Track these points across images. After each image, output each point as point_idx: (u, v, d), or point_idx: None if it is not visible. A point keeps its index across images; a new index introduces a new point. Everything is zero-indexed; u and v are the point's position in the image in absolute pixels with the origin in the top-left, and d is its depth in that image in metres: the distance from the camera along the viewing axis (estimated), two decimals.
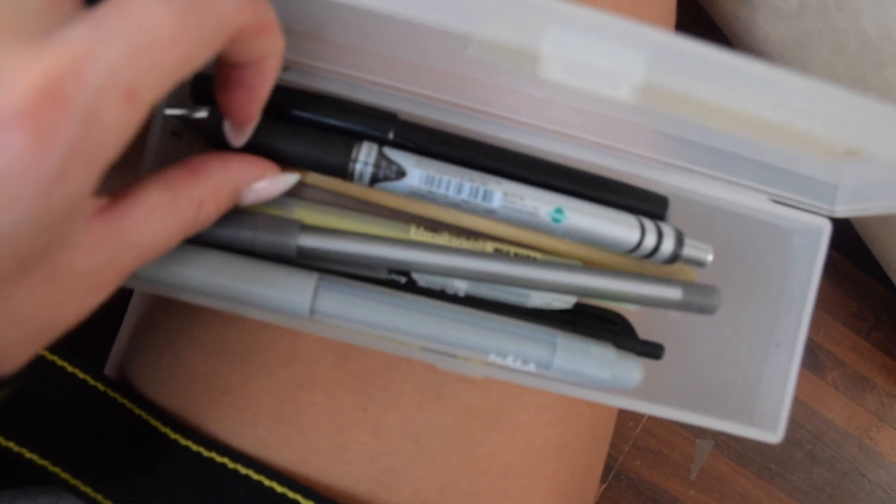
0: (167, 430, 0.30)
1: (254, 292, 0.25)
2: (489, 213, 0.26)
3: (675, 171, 0.28)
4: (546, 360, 0.27)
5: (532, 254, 0.28)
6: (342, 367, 0.30)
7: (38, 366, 0.30)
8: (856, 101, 0.19)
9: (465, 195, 0.26)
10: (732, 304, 0.31)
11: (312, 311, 0.26)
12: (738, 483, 0.78)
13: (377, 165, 0.25)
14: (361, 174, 0.25)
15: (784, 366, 0.29)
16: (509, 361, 0.27)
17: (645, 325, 0.30)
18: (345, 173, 0.26)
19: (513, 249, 0.28)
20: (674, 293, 0.27)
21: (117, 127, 0.15)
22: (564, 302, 0.28)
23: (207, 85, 0.24)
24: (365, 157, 0.25)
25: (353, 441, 0.30)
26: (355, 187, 0.27)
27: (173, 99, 0.25)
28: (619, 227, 0.27)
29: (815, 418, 0.79)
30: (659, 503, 0.76)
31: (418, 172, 0.26)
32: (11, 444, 0.28)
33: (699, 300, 0.27)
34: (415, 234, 0.27)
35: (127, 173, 0.20)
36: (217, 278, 0.25)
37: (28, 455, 0.28)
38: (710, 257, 0.28)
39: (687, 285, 0.27)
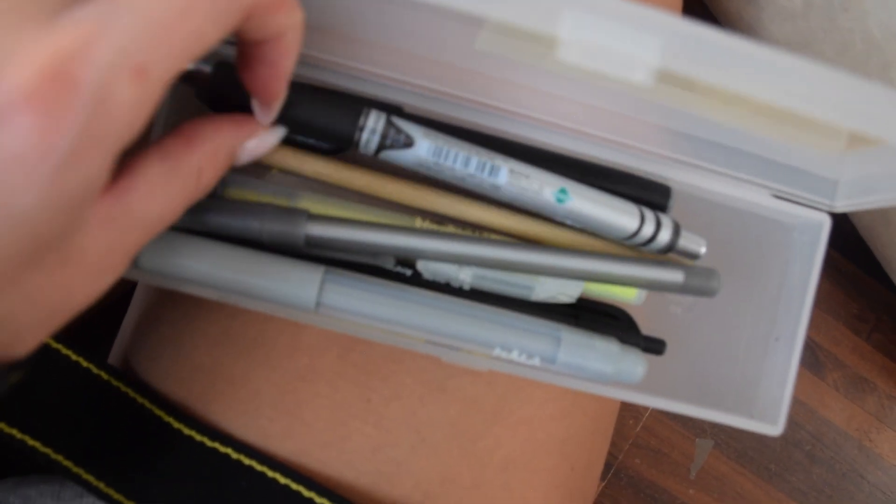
0: (170, 420, 0.30)
1: (260, 285, 0.26)
2: (495, 190, 0.26)
3: (677, 166, 0.28)
4: (551, 355, 0.27)
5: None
6: (345, 359, 0.30)
7: (41, 354, 0.30)
8: (859, 84, 0.19)
9: (472, 169, 0.26)
10: (733, 298, 0.31)
11: (318, 304, 0.26)
12: (738, 483, 0.78)
13: (385, 134, 0.25)
14: (368, 142, 0.25)
15: (784, 360, 0.30)
16: (514, 356, 0.27)
17: (646, 321, 0.30)
18: (350, 141, 0.25)
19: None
20: (676, 276, 0.27)
21: (129, 106, 0.15)
22: (568, 296, 0.28)
23: (230, 73, 0.24)
24: (374, 123, 0.25)
25: (355, 432, 0.30)
26: (359, 175, 0.27)
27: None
28: (620, 214, 0.27)
29: (815, 419, 0.79)
30: (658, 502, 0.77)
31: (426, 143, 0.25)
32: (14, 432, 0.28)
33: (700, 283, 0.27)
34: (420, 225, 0.27)
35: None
36: (223, 271, 0.26)
37: (31, 443, 0.28)
38: (703, 249, 0.28)
39: (688, 268, 0.27)
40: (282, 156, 0.27)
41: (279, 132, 0.25)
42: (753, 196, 0.29)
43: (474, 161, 0.26)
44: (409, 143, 0.25)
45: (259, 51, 0.20)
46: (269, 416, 0.30)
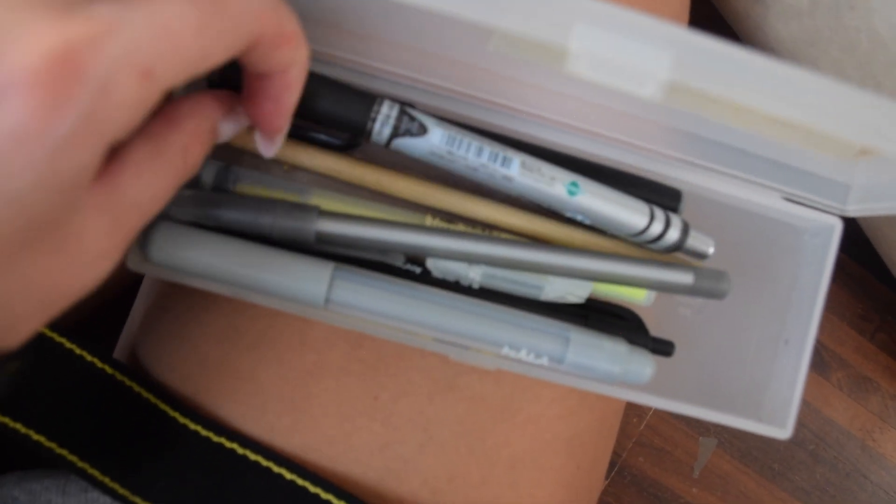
0: (176, 415, 0.30)
1: (270, 280, 0.26)
2: (507, 182, 0.26)
3: (688, 168, 0.28)
4: (559, 355, 0.27)
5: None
6: (353, 356, 0.30)
7: (45, 348, 0.30)
8: (873, 100, 0.19)
9: (484, 159, 0.26)
10: (742, 301, 0.31)
11: (328, 300, 0.26)
12: (741, 482, 0.78)
13: (398, 121, 0.25)
14: (380, 132, 0.25)
15: (793, 363, 0.29)
16: (523, 355, 0.27)
17: (655, 322, 0.30)
18: (363, 130, 0.25)
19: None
20: (686, 277, 0.27)
21: (130, 104, 0.16)
22: (577, 296, 0.28)
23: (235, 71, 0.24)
24: (388, 110, 0.25)
25: (362, 429, 0.30)
26: (370, 172, 0.27)
27: None
28: (630, 210, 0.27)
29: (818, 419, 0.79)
30: (661, 500, 0.77)
31: (440, 132, 0.25)
32: (19, 426, 0.28)
33: (710, 285, 0.27)
34: (430, 223, 0.27)
35: None
36: (233, 266, 0.25)
37: (35, 437, 0.28)
38: (711, 249, 0.28)
39: (698, 270, 0.27)
40: (293, 152, 0.27)
41: None
42: (765, 199, 0.29)
43: (487, 151, 0.26)
44: (422, 131, 0.25)
45: (263, 84, 0.21)
46: (275, 411, 0.30)
